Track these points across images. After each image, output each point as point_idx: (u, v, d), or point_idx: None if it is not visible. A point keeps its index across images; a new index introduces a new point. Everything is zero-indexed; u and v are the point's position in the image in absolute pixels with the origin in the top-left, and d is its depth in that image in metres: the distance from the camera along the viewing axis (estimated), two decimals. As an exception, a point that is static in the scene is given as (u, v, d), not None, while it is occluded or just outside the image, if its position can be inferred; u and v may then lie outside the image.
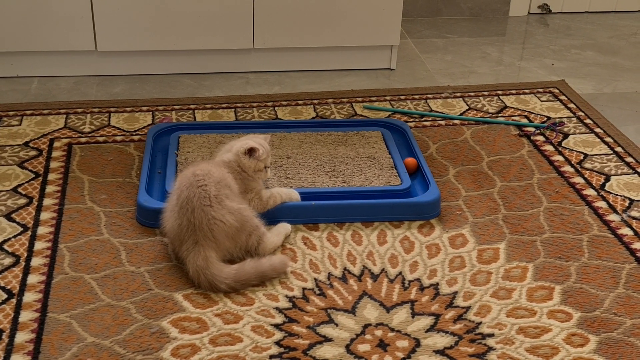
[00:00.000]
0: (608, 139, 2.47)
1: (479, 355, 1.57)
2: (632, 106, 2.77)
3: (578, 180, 2.23)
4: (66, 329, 1.61)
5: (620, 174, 2.26)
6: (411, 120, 2.57)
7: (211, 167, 1.83)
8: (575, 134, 2.51)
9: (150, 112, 2.57)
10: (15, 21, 2.70)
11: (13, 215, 1.98)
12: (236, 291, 1.72)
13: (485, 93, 2.80)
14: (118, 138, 2.39)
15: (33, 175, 2.16)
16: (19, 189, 2.09)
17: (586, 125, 2.56)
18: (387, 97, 2.74)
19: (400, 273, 1.82)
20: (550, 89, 2.85)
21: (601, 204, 2.11)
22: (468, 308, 1.70)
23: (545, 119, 2.61)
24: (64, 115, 2.53)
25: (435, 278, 1.80)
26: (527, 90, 2.83)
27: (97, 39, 2.77)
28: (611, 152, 2.39)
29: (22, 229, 1.92)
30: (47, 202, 2.04)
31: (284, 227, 1.91)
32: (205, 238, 1.72)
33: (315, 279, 1.79)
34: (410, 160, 2.19)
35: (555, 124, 2.52)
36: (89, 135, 2.41)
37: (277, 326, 1.64)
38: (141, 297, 1.70)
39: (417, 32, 3.48)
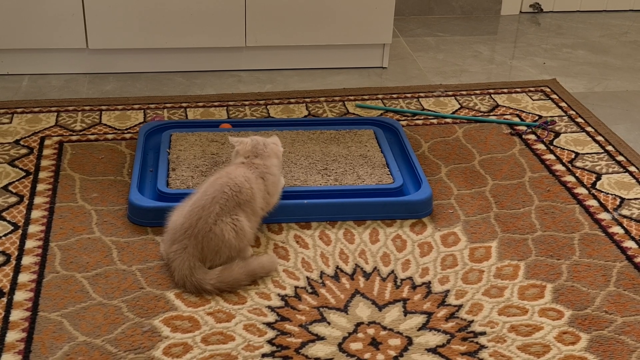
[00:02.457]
0: (599, 138, 2.48)
1: (471, 353, 1.57)
2: (623, 105, 2.78)
3: (569, 178, 2.23)
4: (57, 328, 1.60)
5: (611, 173, 2.27)
6: (403, 118, 2.57)
7: (250, 181, 1.81)
8: (566, 132, 2.51)
9: (142, 110, 2.56)
10: (6, 18, 2.69)
11: (4, 214, 1.97)
12: (225, 292, 1.71)
13: (477, 92, 2.81)
14: (109, 136, 2.38)
15: (24, 174, 2.15)
16: (10, 187, 2.08)
17: (577, 124, 2.57)
18: (379, 96, 2.74)
19: (392, 271, 1.82)
20: (542, 88, 2.86)
21: (592, 202, 2.12)
22: (460, 306, 1.71)
23: (536, 117, 2.61)
24: (55, 113, 2.52)
25: (427, 276, 1.80)
26: (518, 89, 2.84)
27: (89, 36, 2.76)
28: (602, 150, 2.40)
29: (12, 228, 1.91)
30: (38, 200, 2.03)
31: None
32: (195, 248, 1.71)
33: (308, 278, 1.79)
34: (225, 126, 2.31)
35: (546, 123, 2.53)
36: (80, 133, 2.40)
37: (269, 325, 1.63)
38: (133, 296, 1.70)
39: (409, 31, 3.48)
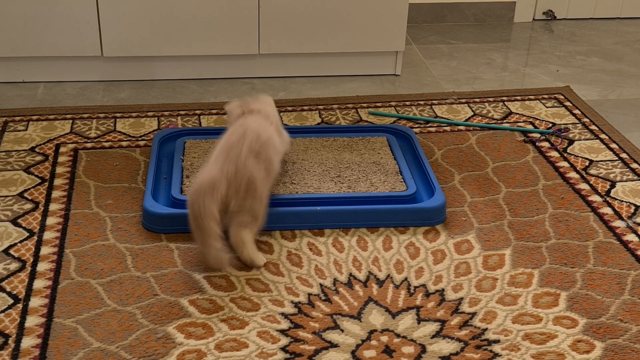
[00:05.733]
0: (613, 145, 2.47)
1: (484, 361, 1.57)
2: (637, 112, 2.77)
3: (583, 186, 2.22)
4: (72, 334, 1.61)
5: (626, 180, 2.26)
6: (416, 126, 2.57)
7: (262, 125, 1.92)
8: (580, 140, 2.51)
9: (156, 118, 2.58)
10: (22, 26, 2.72)
11: (19, 220, 1.98)
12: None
13: (490, 99, 2.80)
14: (124, 143, 2.40)
15: (39, 181, 2.17)
16: (25, 194, 2.10)
17: (591, 131, 2.56)
18: (392, 103, 2.74)
19: (405, 279, 1.82)
20: (555, 95, 2.85)
21: (606, 210, 2.11)
22: (474, 314, 1.70)
23: (550, 125, 2.61)
24: (70, 121, 2.53)
25: (440, 284, 1.80)
26: (532, 97, 2.83)
27: (103, 44, 2.78)
28: (616, 158, 2.39)
29: (28, 234, 1.93)
30: (53, 207, 2.04)
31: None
32: (226, 185, 1.75)
33: (321, 285, 1.79)
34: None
35: (560, 130, 2.53)
36: (95, 140, 2.41)
37: (282, 332, 1.64)
38: (147, 303, 1.71)
39: (422, 38, 3.48)
